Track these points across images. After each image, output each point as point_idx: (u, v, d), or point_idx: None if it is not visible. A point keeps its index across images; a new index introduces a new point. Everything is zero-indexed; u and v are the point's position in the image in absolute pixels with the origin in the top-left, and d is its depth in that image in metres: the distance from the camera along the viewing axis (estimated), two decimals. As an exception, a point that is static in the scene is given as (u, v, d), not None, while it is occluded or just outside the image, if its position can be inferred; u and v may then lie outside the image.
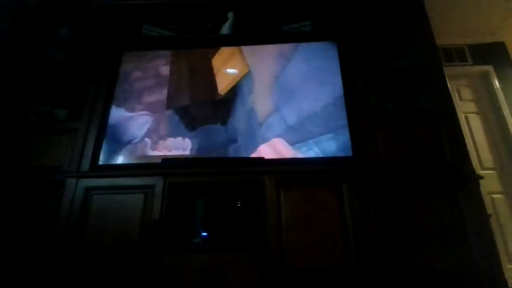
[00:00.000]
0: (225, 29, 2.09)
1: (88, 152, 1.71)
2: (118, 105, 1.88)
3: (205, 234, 1.54)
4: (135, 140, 1.78)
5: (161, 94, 1.90)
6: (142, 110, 1.86)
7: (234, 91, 1.89)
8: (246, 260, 1.41)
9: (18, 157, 1.72)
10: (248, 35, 2.06)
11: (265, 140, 1.74)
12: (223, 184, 1.63)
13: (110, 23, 2.08)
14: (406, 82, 1.95)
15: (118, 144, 1.77)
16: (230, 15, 2.10)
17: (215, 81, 1.93)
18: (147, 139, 1.78)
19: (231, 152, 1.74)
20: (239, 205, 1.62)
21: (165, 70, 1.98)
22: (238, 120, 1.81)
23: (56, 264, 1.41)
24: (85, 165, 1.67)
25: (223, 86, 1.91)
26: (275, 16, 2.15)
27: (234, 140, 1.77)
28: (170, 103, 1.88)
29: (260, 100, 1.84)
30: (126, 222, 1.48)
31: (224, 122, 1.81)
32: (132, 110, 1.87)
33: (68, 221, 1.49)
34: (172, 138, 1.78)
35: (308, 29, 2.08)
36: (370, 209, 1.46)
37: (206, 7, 2.13)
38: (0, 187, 1.65)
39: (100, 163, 1.72)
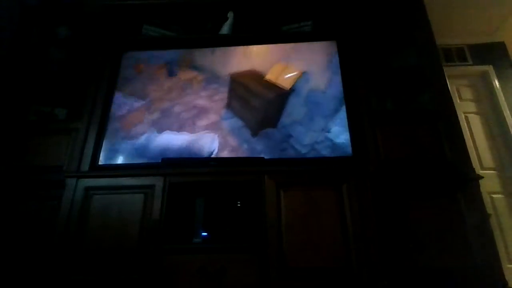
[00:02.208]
0: (225, 29, 2.09)
1: (88, 152, 1.71)
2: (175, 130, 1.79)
3: (205, 234, 1.54)
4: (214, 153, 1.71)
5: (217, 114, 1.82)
6: (202, 131, 1.77)
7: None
8: (246, 260, 1.41)
9: (18, 157, 1.72)
10: (248, 35, 2.06)
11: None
12: (223, 184, 1.63)
13: (110, 23, 2.07)
14: (406, 82, 1.95)
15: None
16: (230, 15, 2.10)
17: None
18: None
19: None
20: (239, 205, 1.62)
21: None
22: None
23: (56, 263, 1.41)
24: (85, 165, 1.67)
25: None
26: (275, 16, 2.15)
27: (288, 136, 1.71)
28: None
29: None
30: (126, 222, 1.48)
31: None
32: (191, 132, 1.78)
33: (68, 221, 1.49)
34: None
35: (308, 29, 2.08)
36: (370, 209, 1.46)
37: (206, 7, 2.13)
38: (0, 187, 1.65)
39: (100, 163, 1.71)
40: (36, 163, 1.71)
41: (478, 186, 1.56)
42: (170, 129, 1.79)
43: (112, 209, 1.51)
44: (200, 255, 1.42)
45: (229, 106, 1.83)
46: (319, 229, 1.43)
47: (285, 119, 1.76)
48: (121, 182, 1.57)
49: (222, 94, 1.87)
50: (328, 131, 1.72)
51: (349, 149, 1.68)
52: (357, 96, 1.79)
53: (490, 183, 2.43)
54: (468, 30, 2.81)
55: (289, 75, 1.87)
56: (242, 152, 1.70)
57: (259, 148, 1.70)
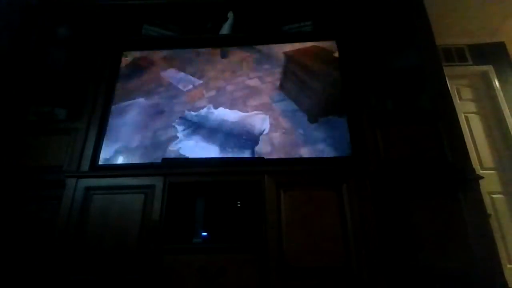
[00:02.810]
0: (225, 29, 2.09)
1: (88, 152, 1.71)
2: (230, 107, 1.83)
3: (205, 234, 1.54)
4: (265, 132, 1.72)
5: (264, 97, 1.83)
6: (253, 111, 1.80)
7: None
8: (246, 260, 1.41)
9: (18, 157, 1.72)
10: (248, 35, 2.06)
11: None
12: (223, 184, 1.63)
13: (110, 23, 2.07)
14: (406, 82, 1.95)
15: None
16: (230, 15, 2.10)
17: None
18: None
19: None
20: (239, 205, 1.62)
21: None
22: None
23: (56, 263, 1.41)
24: (85, 165, 1.67)
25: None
26: (275, 16, 2.15)
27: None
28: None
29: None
30: (126, 222, 1.48)
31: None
32: (243, 110, 1.81)
33: (68, 221, 1.48)
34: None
35: (308, 29, 2.08)
36: (370, 209, 1.46)
37: (206, 7, 2.13)
38: (0, 187, 1.65)
39: (100, 163, 1.71)
40: (36, 163, 1.71)
41: (478, 186, 1.56)
42: (224, 105, 1.84)
43: (112, 209, 1.51)
44: (200, 255, 1.42)
45: (281, 87, 1.82)
46: (319, 229, 1.43)
47: None
48: (121, 182, 1.56)
49: (274, 76, 1.87)
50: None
51: (349, 149, 1.68)
52: (357, 96, 1.79)
53: (490, 183, 2.43)
54: (468, 30, 2.80)
55: None
56: (297, 135, 1.68)
57: (321, 136, 1.65)
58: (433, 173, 1.60)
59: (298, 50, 1.95)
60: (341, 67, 1.89)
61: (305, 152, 1.65)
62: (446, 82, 1.80)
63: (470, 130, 2.64)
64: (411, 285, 1.42)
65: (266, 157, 1.65)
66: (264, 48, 2.00)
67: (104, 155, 1.74)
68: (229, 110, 1.82)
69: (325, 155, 1.64)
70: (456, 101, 2.67)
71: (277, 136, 1.70)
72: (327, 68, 1.83)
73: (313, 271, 1.38)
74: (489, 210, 2.24)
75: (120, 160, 1.73)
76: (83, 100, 1.87)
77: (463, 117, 2.66)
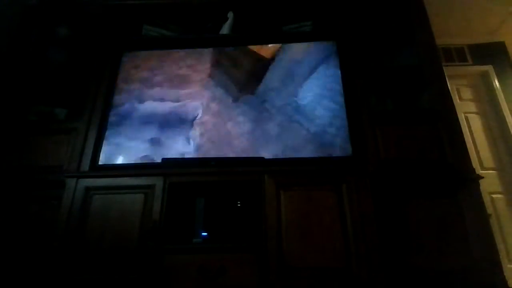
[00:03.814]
0: (225, 29, 2.09)
1: (88, 152, 1.71)
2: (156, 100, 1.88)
3: (205, 234, 1.54)
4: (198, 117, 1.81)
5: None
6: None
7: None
8: (246, 260, 1.41)
9: (18, 157, 1.72)
10: (248, 35, 2.06)
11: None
12: (223, 184, 1.63)
13: (110, 23, 2.08)
14: (406, 81, 1.95)
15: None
16: (230, 15, 2.10)
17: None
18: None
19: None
20: (239, 205, 1.62)
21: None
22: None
23: (56, 263, 1.41)
24: (85, 165, 1.67)
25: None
26: (275, 16, 2.15)
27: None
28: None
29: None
30: (126, 222, 1.48)
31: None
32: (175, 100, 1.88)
33: (68, 221, 1.49)
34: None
35: (308, 29, 2.09)
36: (370, 209, 1.46)
37: (206, 7, 2.13)
38: (0, 187, 1.65)
39: (101, 162, 1.71)
40: (36, 163, 1.71)
41: (478, 186, 1.56)
42: (153, 98, 1.88)
43: (112, 209, 1.51)
44: (200, 255, 1.43)
45: (212, 75, 1.93)
46: (319, 229, 1.43)
47: (262, 87, 1.88)
48: (121, 182, 1.57)
49: (205, 65, 1.97)
50: (296, 96, 1.83)
51: (349, 149, 1.68)
52: (357, 96, 1.79)
53: (490, 183, 2.43)
54: (468, 30, 2.80)
55: (270, 45, 2.00)
56: (223, 114, 1.82)
57: (238, 111, 1.82)
58: (433, 173, 1.60)
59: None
60: (341, 67, 1.89)
61: (229, 126, 1.79)
62: (446, 82, 1.80)
63: (470, 130, 2.64)
64: (411, 285, 1.42)
65: (195, 135, 1.76)
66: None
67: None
68: (159, 102, 1.87)
69: (244, 126, 1.78)
70: (456, 101, 2.67)
71: (208, 119, 1.82)
72: (244, 57, 1.98)
73: (313, 271, 1.38)
74: (489, 210, 2.24)
75: (120, 160, 1.73)
76: (83, 100, 1.87)
77: (463, 117, 2.66)
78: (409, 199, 1.56)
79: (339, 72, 1.87)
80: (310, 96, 1.82)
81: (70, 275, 1.40)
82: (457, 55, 2.87)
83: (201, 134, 1.77)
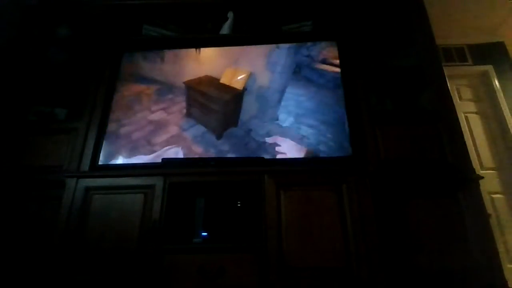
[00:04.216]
0: (225, 29, 2.09)
1: (88, 152, 1.71)
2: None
3: (205, 234, 1.54)
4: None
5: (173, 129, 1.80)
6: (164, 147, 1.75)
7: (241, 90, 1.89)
8: (246, 260, 1.41)
9: (18, 157, 1.72)
10: (248, 35, 2.06)
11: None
12: (223, 184, 1.63)
13: (110, 23, 2.08)
14: (406, 82, 1.95)
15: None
16: (230, 15, 2.10)
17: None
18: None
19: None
20: (239, 205, 1.62)
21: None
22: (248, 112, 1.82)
23: (56, 264, 1.41)
24: (85, 165, 1.67)
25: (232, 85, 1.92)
26: (275, 16, 2.15)
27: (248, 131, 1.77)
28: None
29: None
30: (126, 222, 1.48)
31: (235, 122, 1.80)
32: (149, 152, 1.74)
33: (68, 221, 1.49)
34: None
35: (308, 29, 2.08)
36: (370, 209, 1.46)
37: (206, 7, 2.13)
38: (0, 187, 1.65)
39: (100, 163, 1.71)
40: (36, 163, 1.71)
41: (478, 186, 1.56)
42: (121, 155, 1.73)
43: (112, 209, 1.50)
44: (200, 255, 1.42)
45: (189, 114, 1.83)
46: (319, 229, 1.43)
47: (243, 116, 1.81)
48: (121, 182, 1.56)
49: (180, 104, 1.85)
50: (277, 119, 1.79)
51: (349, 149, 1.68)
52: (357, 96, 1.79)
53: (490, 183, 2.43)
54: (468, 30, 2.80)
55: (240, 76, 1.93)
56: (210, 155, 1.72)
57: (226, 149, 1.73)
58: (433, 173, 1.60)
59: (193, 80, 1.93)
60: (341, 67, 1.89)
61: None
62: (446, 82, 1.80)
63: (470, 130, 2.64)
64: (411, 285, 1.42)
65: None
66: (164, 79, 1.93)
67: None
68: (128, 159, 1.71)
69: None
70: (456, 101, 2.67)
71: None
72: (219, 92, 1.90)
73: (313, 271, 1.38)
74: (489, 210, 2.24)
75: (120, 160, 1.73)
76: (83, 100, 1.87)
77: (463, 117, 2.66)
78: (409, 199, 1.56)
79: (309, 89, 1.84)
80: (291, 118, 1.78)
81: (70, 275, 1.40)
82: (457, 55, 2.87)
83: None
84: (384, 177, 1.59)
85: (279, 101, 1.84)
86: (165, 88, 1.91)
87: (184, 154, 1.72)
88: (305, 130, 1.75)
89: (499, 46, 2.89)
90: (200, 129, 1.79)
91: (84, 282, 1.39)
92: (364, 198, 1.48)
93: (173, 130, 1.78)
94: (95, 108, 1.82)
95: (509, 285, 1.45)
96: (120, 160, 1.73)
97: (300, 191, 1.51)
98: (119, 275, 1.40)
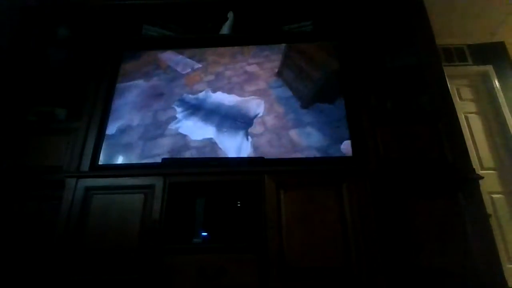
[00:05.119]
0: (225, 29, 2.09)
1: (88, 152, 1.71)
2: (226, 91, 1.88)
3: (205, 234, 1.54)
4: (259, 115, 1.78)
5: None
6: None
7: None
8: (246, 260, 1.41)
9: (18, 157, 1.72)
10: (248, 35, 2.06)
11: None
12: (223, 184, 1.63)
13: (110, 23, 2.08)
14: (406, 82, 1.95)
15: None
16: (230, 15, 2.10)
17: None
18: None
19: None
20: (239, 205, 1.62)
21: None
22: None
23: (56, 264, 1.41)
24: (85, 165, 1.67)
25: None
26: (275, 16, 2.15)
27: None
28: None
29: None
30: (126, 222, 1.48)
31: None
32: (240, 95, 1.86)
33: (68, 221, 1.49)
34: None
35: (308, 29, 2.08)
36: (370, 209, 1.46)
37: (206, 7, 2.13)
38: (0, 187, 1.65)
39: (100, 162, 1.71)
40: (36, 163, 1.71)
41: (478, 186, 1.56)
42: (222, 90, 1.90)
43: (112, 209, 1.51)
44: (200, 255, 1.43)
45: (279, 74, 1.89)
46: (319, 229, 1.43)
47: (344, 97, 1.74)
48: (121, 182, 1.57)
49: (274, 62, 1.93)
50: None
51: (349, 149, 1.68)
52: (357, 96, 1.79)
53: (490, 183, 2.43)
54: (468, 30, 2.80)
55: None
56: (287, 120, 1.75)
57: (307, 120, 1.73)
58: (433, 173, 1.60)
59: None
60: (341, 67, 1.89)
61: (293, 134, 1.71)
62: (446, 82, 1.80)
63: (470, 130, 2.64)
64: (411, 285, 1.42)
65: (258, 138, 1.71)
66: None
67: (108, 131, 1.79)
68: (227, 94, 1.87)
69: (311, 137, 1.70)
70: (456, 101, 2.66)
71: (269, 119, 1.77)
72: (327, 56, 1.90)
73: (313, 271, 1.38)
74: (489, 210, 2.24)
75: (120, 160, 1.73)
76: (83, 100, 1.87)
77: (463, 117, 2.66)
78: (409, 199, 1.56)
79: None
80: None
81: (70, 275, 1.40)
82: (457, 55, 2.87)
83: (261, 134, 1.72)
84: (384, 177, 1.59)
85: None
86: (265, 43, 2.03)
87: (265, 108, 1.80)
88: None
89: (499, 46, 2.88)
90: (286, 91, 1.84)
91: (84, 282, 1.39)
92: (364, 198, 1.48)
93: (261, 84, 1.89)
94: (95, 108, 1.82)
95: (509, 285, 1.45)
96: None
97: (300, 191, 1.51)
98: (119, 275, 1.40)
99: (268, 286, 1.35)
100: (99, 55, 1.98)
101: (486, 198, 2.19)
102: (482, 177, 1.58)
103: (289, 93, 1.82)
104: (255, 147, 1.70)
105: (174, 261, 1.42)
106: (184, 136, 1.76)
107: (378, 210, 1.49)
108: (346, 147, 1.66)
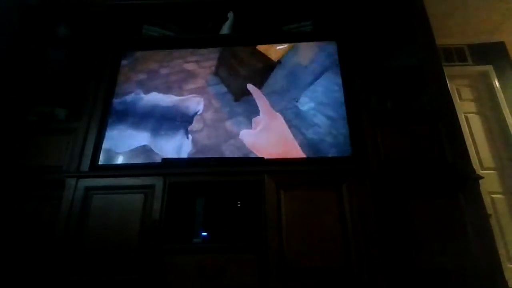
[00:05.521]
0: (225, 29, 2.09)
1: (88, 152, 1.70)
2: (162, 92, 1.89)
3: (205, 234, 1.54)
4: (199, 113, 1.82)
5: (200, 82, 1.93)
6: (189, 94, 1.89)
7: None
8: (246, 260, 1.41)
9: (18, 157, 1.72)
10: (248, 35, 2.06)
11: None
12: (223, 184, 1.63)
13: (110, 23, 2.07)
14: (406, 82, 1.95)
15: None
16: (230, 15, 2.09)
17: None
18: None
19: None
20: (239, 205, 1.62)
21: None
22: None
23: (56, 264, 1.41)
24: (85, 165, 1.67)
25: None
26: (275, 16, 2.15)
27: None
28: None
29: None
30: (126, 222, 1.48)
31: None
32: (178, 95, 1.89)
33: (68, 221, 1.49)
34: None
35: (308, 29, 2.08)
36: (370, 209, 1.46)
37: (206, 7, 2.13)
38: (0, 187, 1.65)
39: (100, 162, 1.71)
40: (36, 163, 1.71)
41: (478, 186, 1.56)
42: (158, 90, 1.90)
43: (112, 209, 1.50)
44: (200, 255, 1.42)
45: (216, 73, 1.94)
46: (319, 229, 1.43)
47: (265, 89, 1.87)
48: (121, 182, 1.57)
49: (211, 61, 1.98)
50: (297, 101, 1.82)
51: (349, 149, 1.68)
52: (357, 96, 1.79)
53: (490, 183, 2.43)
54: (468, 30, 2.80)
55: (280, 47, 1.97)
56: (224, 113, 1.82)
57: (239, 111, 1.82)
58: (433, 173, 1.60)
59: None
60: (341, 67, 1.89)
61: (228, 124, 1.79)
62: (446, 82, 1.80)
63: (470, 130, 2.64)
64: (411, 285, 1.42)
65: (197, 134, 1.77)
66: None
67: None
68: (163, 95, 1.88)
69: (241, 125, 1.78)
70: (456, 101, 2.66)
71: (209, 115, 1.83)
72: (252, 58, 1.98)
73: (313, 271, 1.38)
74: (489, 210, 2.24)
75: (120, 160, 1.73)
76: (83, 100, 1.87)
77: (463, 117, 2.66)
78: (409, 199, 1.56)
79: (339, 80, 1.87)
80: (311, 103, 1.81)
81: (70, 275, 1.40)
82: (457, 55, 2.87)
83: (200, 130, 1.78)
84: (384, 177, 1.59)
85: (310, 84, 1.86)
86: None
87: (204, 105, 1.84)
88: (320, 119, 1.77)
89: (499, 46, 2.89)
90: (222, 88, 1.89)
91: (84, 282, 1.39)
92: (364, 198, 1.48)
93: (200, 82, 1.92)
94: (95, 108, 1.81)
95: (509, 285, 1.45)
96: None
97: (300, 191, 1.51)
98: (119, 275, 1.40)
99: (268, 286, 1.35)
100: (99, 55, 1.98)
101: (486, 198, 2.19)
102: (482, 177, 1.58)
103: (224, 89, 1.89)
104: (194, 143, 1.74)
105: (174, 261, 1.42)
106: (108, 150, 1.74)
107: (378, 210, 1.49)
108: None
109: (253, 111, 1.81)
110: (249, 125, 1.78)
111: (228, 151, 1.71)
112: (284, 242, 1.42)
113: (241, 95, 1.86)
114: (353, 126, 1.73)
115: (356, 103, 1.77)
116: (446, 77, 1.81)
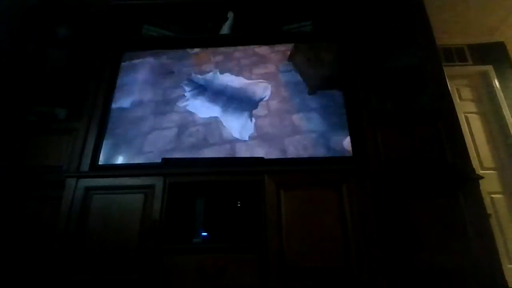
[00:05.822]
0: (225, 29, 2.09)
1: (88, 152, 1.71)
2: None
3: (205, 234, 1.54)
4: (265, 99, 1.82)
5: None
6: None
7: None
8: (246, 260, 1.41)
9: (18, 157, 1.72)
10: (248, 35, 2.06)
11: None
12: (223, 184, 1.63)
13: (110, 23, 2.07)
14: (406, 82, 1.95)
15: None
16: (230, 15, 2.10)
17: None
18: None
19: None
20: (239, 205, 1.62)
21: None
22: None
23: (56, 264, 1.41)
24: (85, 165, 1.67)
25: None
26: (275, 16, 2.15)
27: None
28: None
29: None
30: (126, 222, 1.48)
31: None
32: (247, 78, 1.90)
33: (68, 221, 1.48)
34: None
35: (308, 29, 2.08)
36: (370, 209, 1.46)
37: (206, 7, 2.13)
38: (0, 187, 1.65)
39: (100, 162, 1.71)
40: (36, 163, 1.71)
41: (478, 186, 1.56)
42: (230, 71, 1.95)
43: (112, 209, 1.50)
44: (200, 255, 1.42)
45: (291, 58, 1.91)
46: (319, 229, 1.43)
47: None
48: (121, 182, 1.56)
49: (286, 45, 1.97)
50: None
51: (349, 149, 1.68)
52: (357, 96, 1.79)
53: (490, 183, 2.43)
54: (468, 30, 2.80)
55: None
56: (292, 105, 1.78)
57: (313, 106, 1.76)
58: (433, 173, 1.60)
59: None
60: (341, 67, 1.89)
61: (296, 118, 1.75)
62: (446, 82, 1.80)
63: (470, 130, 2.64)
64: (411, 285, 1.42)
65: (261, 120, 1.76)
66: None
67: (121, 104, 1.86)
68: (235, 76, 1.92)
69: (314, 122, 1.74)
70: (456, 101, 2.66)
71: (274, 103, 1.81)
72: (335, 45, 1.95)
73: (313, 271, 1.38)
74: (489, 210, 2.24)
75: (120, 160, 1.73)
76: (83, 100, 1.87)
77: (463, 117, 2.66)
78: (409, 199, 1.56)
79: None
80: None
81: (70, 275, 1.40)
82: (457, 55, 2.87)
83: (264, 116, 1.77)
84: (384, 177, 1.59)
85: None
86: None
87: (271, 92, 1.83)
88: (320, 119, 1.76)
89: (499, 46, 2.89)
90: (295, 76, 1.86)
91: (84, 282, 1.39)
92: (364, 198, 1.48)
93: (270, 67, 1.91)
94: (95, 108, 1.81)
95: (509, 285, 1.45)
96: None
97: (300, 191, 1.50)
98: (119, 275, 1.40)
99: (268, 286, 1.35)
100: (99, 55, 1.98)
101: (486, 198, 2.20)
102: (482, 177, 1.58)
103: (298, 78, 1.84)
104: (257, 127, 1.75)
105: (174, 261, 1.42)
106: (192, 113, 1.83)
107: (378, 210, 1.49)
108: (348, 142, 1.69)
109: (331, 109, 1.73)
110: (325, 125, 1.71)
111: (292, 147, 1.67)
112: (284, 242, 1.41)
113: (318, 87, 1.77)
114: (353, 126, 1.73)
115: (357, 103, 1.77)
116: (446, 77, 1.81)
